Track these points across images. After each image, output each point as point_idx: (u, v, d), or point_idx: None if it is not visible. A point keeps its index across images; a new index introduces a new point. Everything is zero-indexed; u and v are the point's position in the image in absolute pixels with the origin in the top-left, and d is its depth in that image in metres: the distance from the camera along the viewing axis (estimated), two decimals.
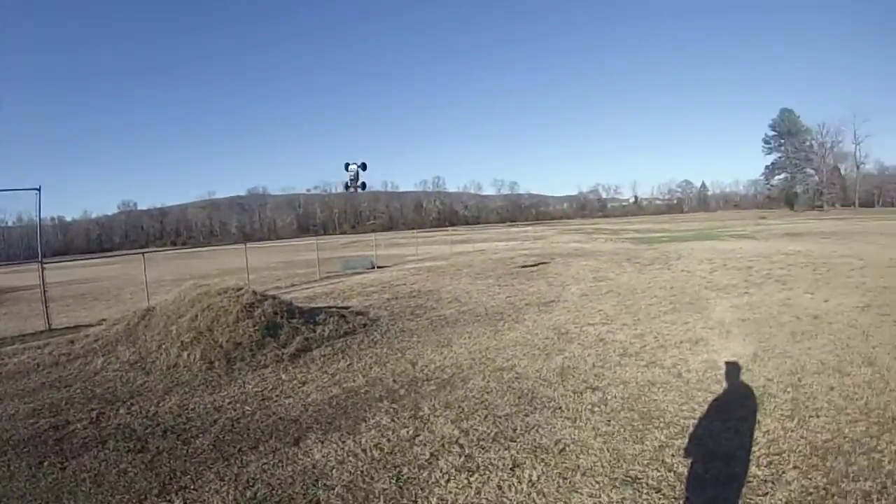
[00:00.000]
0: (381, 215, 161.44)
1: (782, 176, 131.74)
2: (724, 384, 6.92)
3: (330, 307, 13.00)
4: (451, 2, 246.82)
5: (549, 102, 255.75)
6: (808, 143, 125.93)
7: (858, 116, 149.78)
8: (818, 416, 5.63)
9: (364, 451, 5.32)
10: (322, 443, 5.55)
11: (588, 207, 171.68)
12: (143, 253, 19.98)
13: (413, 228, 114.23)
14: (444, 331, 10.89)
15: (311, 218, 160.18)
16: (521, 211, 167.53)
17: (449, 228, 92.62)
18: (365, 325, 11.35)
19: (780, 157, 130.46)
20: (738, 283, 15.01)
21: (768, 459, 4.74)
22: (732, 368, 7.45)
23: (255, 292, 11.09)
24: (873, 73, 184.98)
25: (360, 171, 16.06)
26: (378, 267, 25.01)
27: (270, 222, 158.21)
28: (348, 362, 8.82)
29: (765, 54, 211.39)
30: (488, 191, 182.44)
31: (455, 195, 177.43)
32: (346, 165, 15.95)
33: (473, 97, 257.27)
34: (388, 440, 5.57)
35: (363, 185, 16.46)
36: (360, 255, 31.80)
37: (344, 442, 5.55)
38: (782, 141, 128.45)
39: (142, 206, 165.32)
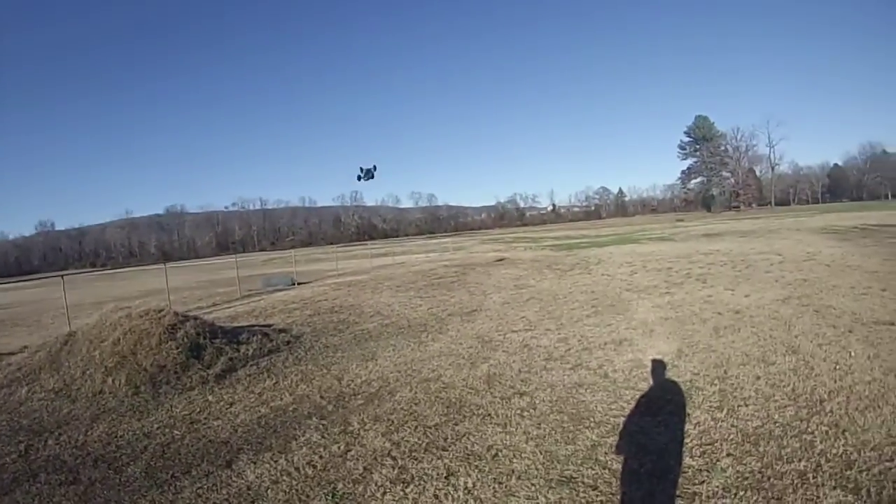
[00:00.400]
0: (299, 231, 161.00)
1: (699, 179, 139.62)
2: (651, 381, 7.15)
3: (253, 326, 12.92)
4: (359, 12, 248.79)
5: (464, 114, 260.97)
6: (723, 148, 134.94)
7: (773, 121, 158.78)
8: (747, 405, 5.91)
9: (297, 469, 5.28)
10: (254, 463, 5.50)
11: (507, 217, 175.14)
12: (62, 276, 18.96)
13: (332, 243, 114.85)
14: (369, 345, 10.80)
15: (230, 235, 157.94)
16: (439, 223, 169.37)
17: (368, 242, 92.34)
18: (289, 343, 11.23)
19: (695, 162, 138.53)
20: (659, 283, 15.62)
21: (701, 450, 4.92)
22: (658, 366, 7.71)
23: (176, 313, 10.88)
24: (787, 78, 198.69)
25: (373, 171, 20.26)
26: (298, 283, 24.60)
27: (189, 241, 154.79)
28: (274, 381, 8.66)
29: (679, 62, 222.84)
30: (406, 203, 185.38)
31: (373, 209, 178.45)
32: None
33: (389, 109, 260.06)
34: (321, 457, 5.51)
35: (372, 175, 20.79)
36: (281, 273, 31.26)
37: (276, 461, 5.50)
38: (698, 146, 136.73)
39: (60, 227, 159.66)
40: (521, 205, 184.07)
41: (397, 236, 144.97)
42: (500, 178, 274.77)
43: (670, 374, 7.34)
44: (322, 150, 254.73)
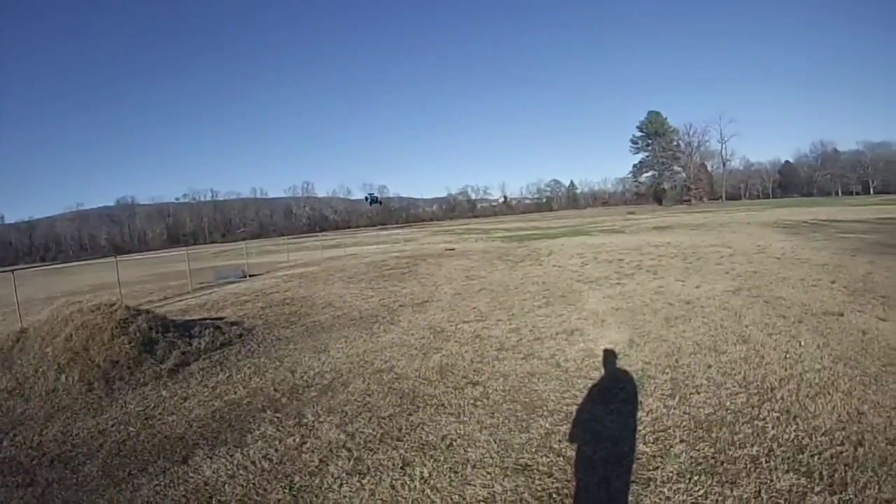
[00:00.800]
0: (251, 223, 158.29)
1: (650, 173, 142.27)
2: (603, 370, 7.29)
3: (205, 319, 12.76)
4: (313, 3, 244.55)
5: (415, 106, 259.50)
6: (675, 143, 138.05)
7: (725, 117, 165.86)
8: (699, 393, 6.07)
9: (253, 463, 5.29)
10: (211, 458, 5.47)
11: (458, 209, 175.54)
12: (12, 270, 18.22)
13: (283, 235, 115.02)
14: (321, 336, 10.73)
15: (181, 227, 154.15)
16: (390, 214, 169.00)
17: (319, 234, 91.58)
18: (241, 336, 11.12)
19: (647, 156, 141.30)
20: (610, 274, 15.88)
21: (654, 437, 5.03)
22: (610, 355, 7.87)
23: (128, 307, 10.67)
24: (740, 77, 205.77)
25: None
26: (250, 276, 24.23)
27: (140, 233, 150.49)
28: (227, 374, 8.54)
29: (632, 58, 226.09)
30: (358, 195, 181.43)
31: (325, 200, 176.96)
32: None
33: (341, 101, 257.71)
34: (276, 450, 5.52)
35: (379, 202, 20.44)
36: (232, 265, 30.80)
37: (232, 456, 5.48)
38: (650, 141, 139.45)
39: (9, 220, 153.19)
40: (473, 197, 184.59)
41: (349, 227, 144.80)
42: (452, 170, 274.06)
43: (622, 363, 7.48)
44: (274, 141, 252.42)
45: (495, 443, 5.17)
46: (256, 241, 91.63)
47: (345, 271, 22.55)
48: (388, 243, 47.56)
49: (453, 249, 30.57)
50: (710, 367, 6.97)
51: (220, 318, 12.97)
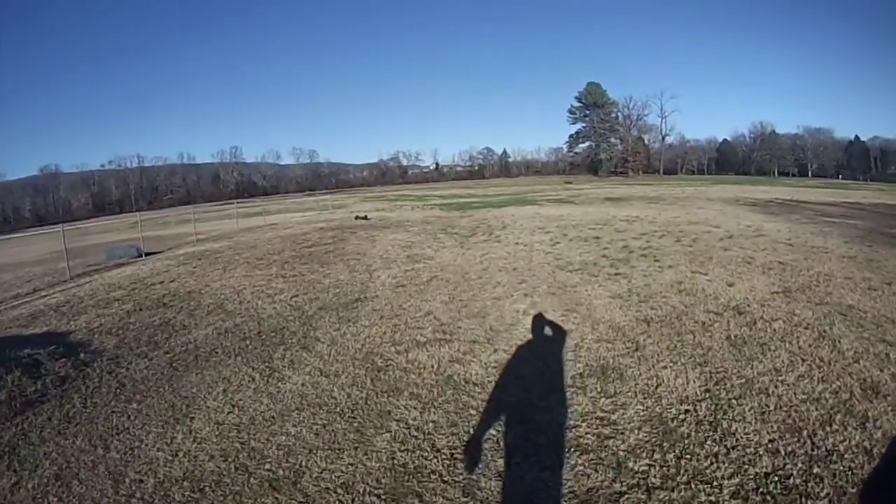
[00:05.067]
0: (178, 189, 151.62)
1: (586, 144, 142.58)
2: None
3: (26, 339, 8.77)
4: None
5: (346, 70, 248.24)
6: (613, 115, 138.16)
7: (666, 93, 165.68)
8: None
9: None
10: None
11: (389, 175, 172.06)
12: None
13: (211, 201, 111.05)
14: (188, 380, 6.57)
15: (106, 196, 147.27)
16: (320, 180, 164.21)
17: (246, 200, 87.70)
18: (65, 380, 6.73)
19: (584, 127, 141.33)
20: (597, 259, 12.53)
21: None
22: (695, 431, 4.45)
23: None
24: (683, 54, 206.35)
25: None
26: (147, 254, 19.82)
27: (65, 203, 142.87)
28: (13, 481, 4.55)
29: (571, 28, 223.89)
30: (287, 160, 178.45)
31: (253, 165, 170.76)
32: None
33: (270, 63, 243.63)
34: None
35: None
36: (128, 242, 26.31)
37: None
38: (588, 112, 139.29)
39: None
40: (404, 163, 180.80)
41: (277, 193, 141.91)
42: (383, 136, 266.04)
43: (733, 454, 4.06)
44: (201, 102, 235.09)
45: None
46: (182, 208, 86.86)
47: (256, 249, 18.14)
48: (315, 210, 43.28)
49: (367, 219, 27.31)
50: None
51: (66, 335, 8.98)
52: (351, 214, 32.18)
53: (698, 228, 17.05)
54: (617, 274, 10.77)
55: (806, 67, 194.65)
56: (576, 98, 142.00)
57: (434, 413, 5.11)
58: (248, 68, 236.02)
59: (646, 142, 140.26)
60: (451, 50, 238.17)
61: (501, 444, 4.46)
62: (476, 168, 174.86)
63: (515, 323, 7.90)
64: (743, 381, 5.37)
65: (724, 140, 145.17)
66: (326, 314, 9.17)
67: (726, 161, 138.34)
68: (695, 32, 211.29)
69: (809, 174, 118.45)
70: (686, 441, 4.31)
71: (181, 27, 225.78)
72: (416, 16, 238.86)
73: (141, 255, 19.76)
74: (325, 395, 5.78)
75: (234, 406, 5.67)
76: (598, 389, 5.35)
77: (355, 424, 5.01)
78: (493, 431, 4.67)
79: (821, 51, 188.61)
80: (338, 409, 5.37)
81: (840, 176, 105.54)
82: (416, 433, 4.76)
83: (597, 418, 4.77)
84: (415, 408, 5.29)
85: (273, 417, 5.31)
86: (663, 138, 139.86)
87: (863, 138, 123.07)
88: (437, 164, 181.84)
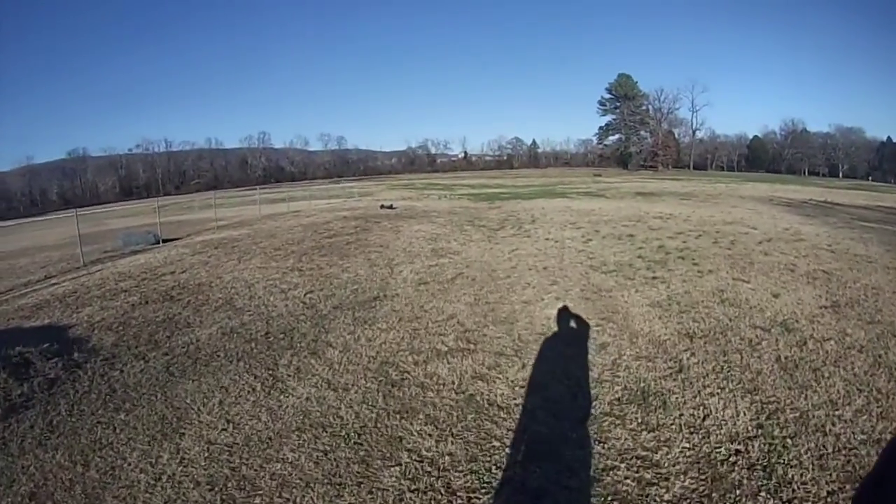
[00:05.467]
0: (205, 174, 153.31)
1: (616, 136, 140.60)
2: None
3: (24, 334, 8.35)
4: None
5: (376, 56, 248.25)
6: (644, 108, 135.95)
7: (698, 86, 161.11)
8: None
9: None
10: None
11: (417, 162, 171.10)
12: None
13: (238, 186, 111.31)
14: (184, 387, 6.09)
15: (133, 179, 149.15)
16: (348, 166, 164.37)
17: (274, 186, 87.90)
18: (53, 383, 6.30)
19: (615, 119, 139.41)
20: (633, 259, 11.90)
21: None
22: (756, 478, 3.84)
23: None
24: (715, 48, 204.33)
25: None
26: (164, 241, 19.36)
27: (92, 186, 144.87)
28: None
29: (604, 19, 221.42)
30: (315, 146, 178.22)
31: (281, 151, 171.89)
32: None
33: (300, 50, 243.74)
34: None
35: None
36: (146, 228, 25.85)
37: None
38: (618, 104, 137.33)
39: None
40: (433, 151, 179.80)
41: (305, 179, 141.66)
42: (412, 123, 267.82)
43: None
44: (230, 89, 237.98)
45: None
46: (208, 193, 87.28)
47: (275, 238, 17.60)
48: (341, 198, 42.84)
49: (392, 208, 26.74)
50: None
51: (65, 329, 8.56)
52: (376, 203, 31.71)
53: (735, 229, 16.22)
54: (654, 278, 10.15)
55: (836, 65, 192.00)
56: (606, 89, 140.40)
57: (452, 443, 4.55)
58: (277, 54, 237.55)
59: (676, 136, 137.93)
60: (483, 38, 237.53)
61: (525, 485, 3.91)
62: (505, 158, 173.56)
63: (546, 332, 7.32)
64: (797, 414, 4.76)
65: (755, 137, 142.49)
66: (341, 314, 8.69)
67: (757, 158, 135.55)
68: (726, 24, 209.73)
69: (840, 175, 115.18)
70: (738, 491, 3.73)
71: (211, 13, 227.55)
72: (447, 4, 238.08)
73: (158, 242, 19.31)
74: (330, 413, 5.24)
75: (228, 422, 5.16)
76: (639, 420, 4.76)
77: (361, 453, 4.47)
78: (517, 469, 4.13)
79: (852, 48, 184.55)
80: (343, 433, 4.82)
81: (870, 178, 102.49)
82: (429, 468, 4.21)
83: (637, 458, 4.19)
84: (430, 435, 4.73)
85: (270, 438, 4.79)
86: (694, 133, 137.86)
87: (895, 139, 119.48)
88: (465, 153, 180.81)
